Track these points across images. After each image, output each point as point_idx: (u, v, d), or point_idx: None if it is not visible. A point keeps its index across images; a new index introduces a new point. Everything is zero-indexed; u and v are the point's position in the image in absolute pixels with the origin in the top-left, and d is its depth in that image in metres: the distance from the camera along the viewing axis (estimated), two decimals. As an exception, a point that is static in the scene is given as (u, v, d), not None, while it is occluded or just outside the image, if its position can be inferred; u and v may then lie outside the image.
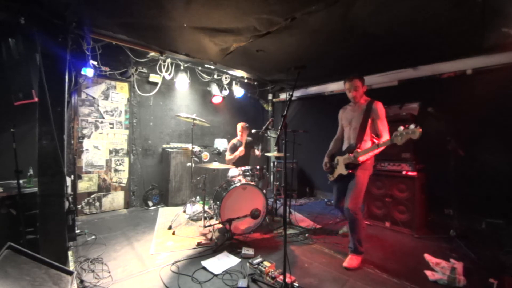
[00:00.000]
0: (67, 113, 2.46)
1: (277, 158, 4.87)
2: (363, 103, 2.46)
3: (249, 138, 4.06)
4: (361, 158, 2.29)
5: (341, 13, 2.42)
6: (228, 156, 3.83)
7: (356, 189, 2.32)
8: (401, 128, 1.99)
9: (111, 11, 2.55)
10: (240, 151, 3.76)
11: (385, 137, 2.27)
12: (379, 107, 2.37)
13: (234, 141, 3.99)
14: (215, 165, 3.22)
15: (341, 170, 2.47)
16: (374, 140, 2.40)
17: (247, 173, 3.36)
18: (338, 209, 2.71)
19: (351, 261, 2.33)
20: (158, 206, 4.29)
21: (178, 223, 3.36)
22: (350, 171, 2.39)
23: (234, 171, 3.53)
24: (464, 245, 2.67)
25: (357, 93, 2.44)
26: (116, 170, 4.13)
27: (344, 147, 2.56)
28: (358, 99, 2.46)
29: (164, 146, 4.60)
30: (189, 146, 4.54)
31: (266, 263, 2.21)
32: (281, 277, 1.92)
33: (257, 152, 3.89)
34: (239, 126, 3.93)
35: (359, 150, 2.30)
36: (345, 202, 2.35)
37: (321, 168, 2.72)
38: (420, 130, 1.90)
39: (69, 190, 2.86)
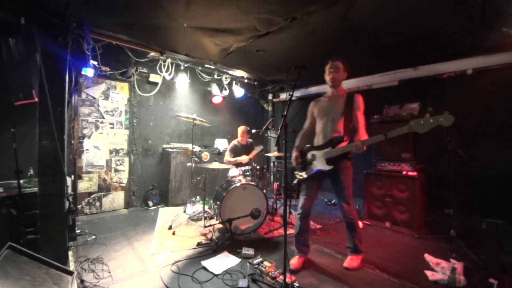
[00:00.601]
0: (67, 113, 2.46)
1: (277, 158, 4.87)
2: (342, 93, 2.32)
3: (250, 140, 4.08)
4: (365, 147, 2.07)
5: (341, 13, 2.42)
6: (229, 157, 3.85)
7: (347, 190, 2.24)
8: (427, 115, 1.76)
9: (111, 11, 2.55)
10: (243, 159, 3.78)
11: (363, 132, 2.17)
12: (360, 99, 2.26)
13: (234, 142, 4.02)
14: (215, 165, 3.23)
15: (320, 165, 2.24)
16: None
17: (247, 173, 3.37)
18: (304, 214, 2.35)
19: (351, 261, 2.30)
20: (158, 206, 4.29)
21: (178, 223, 3.36)
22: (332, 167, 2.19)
23: (234, 171, 3.54)
24: (464, 245, 2.67)
25: (337, 75, 2.27)
26: (116, 170, 4.13)
27: (319, 140, 2.34)
28: (337, 82, 2.31)
29: (164, 146, 4.60)
30: (189, 146, 4.54)
31: (266, 263, 2.21)
32: (281, 277, 1.92)
33: (251, 156, 3.87)
34: (240, 130, 3.98)
35: (357, 140, 2.11)
36: (340, 205, 2.28)
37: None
38: (452, 117, 1.68)
39: (69, 190, 2.86)
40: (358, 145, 2.04)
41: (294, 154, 2.43)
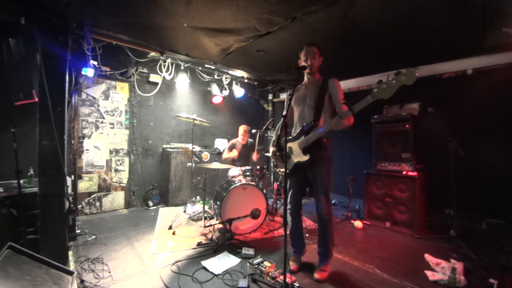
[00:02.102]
0: (67, 113, 2.46)
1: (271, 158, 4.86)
2: (317, 79, 2.19)
3: (251, 140, 4.10)
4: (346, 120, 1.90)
5: (341, 13, 2.42)
6: (225, 154, 3.96)
7: (325, 183, 2.08)
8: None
9: (112, 11, 2.55)
10: (234, 155, 3.90)
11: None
12: (337, 82, 2.12)
13: (233, 140, 4.07)
14: (215, 165, 3.23)
15: (298, 157, 2.10)
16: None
17: (247, 173, 3.37)
18: (294, 210, 2.26)
19: (321, 272, 2.11)
20: (159, 206, 4.29)
21: (178, 223, 3.36)
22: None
23: (234, 171, 3.54)
24: (464, 245, 2.67)
25: (314, 61, 2.12)
26: (116, 170, 4.13)
27: (296, 131, 2.22)
28: (315, 69, 2.16)
29: (164, 146, 4.60)
30: (189, 146, 4.54)
31: (266, 263, 2.21)
32: (281, 277, 1.92)
33: (254, 157, 3.95)
34: (241, 129, 4.00)
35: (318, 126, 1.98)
36: (318, 204, 2.10)
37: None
38: (417, 74, 1.54)
39: (70, 190, 2.85)
40: (333, 122, 1.88)
41: (271, 149, 2.30)
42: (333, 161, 2.17)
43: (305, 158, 2.06)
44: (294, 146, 2.16)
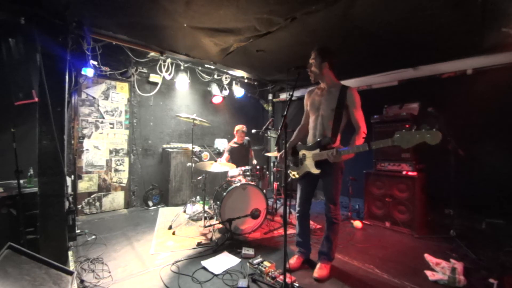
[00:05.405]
0: (67, 113, 2.46)
1: (277, 158, 4.87)
2: (334, 86, 2.12)
3: (247, 138, 4.12)
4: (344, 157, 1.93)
5: (341, 13, 2.42)
6: (224, 160, 3.91)
7: (334, 191, 2.11)
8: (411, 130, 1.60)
9: (111, 11, 2.55)
10: (226, 157, 3.93)
11: (363, 129, 1.98)
12: (356, 94, 2.04)
13: (231, 143, 4.10)
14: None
15: (310, 168, 2.13)
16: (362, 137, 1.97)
17: (247, 173, 3.37)
18: (301, 214, 2.31)
19: (321, 270, 2.13)
20: (158, 206, 4.29)
21: (178, 223, 3.36)
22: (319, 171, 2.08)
23: (234, 171, 3.54)
24: (464, 245, 2.67)
25: (312, 68, 2.12)
26: (116, 170, 4.13)
27: (310, 139, 2.22)
28: (316, 76, 2.13)
29: (164, 146, 4.60)
30: (189, 146, 4.54)
31: (266, 263, 2.21)
32: (281, 277, 1.92)
33: (253, 157, 4.11)
34: (236, 128, 4.05)
35: (340, 146, 1.99)
36: (327, 205, 2.15)
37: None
38: (440, 135, 1.49)
39: (69, 190, 2.86)
40: (333, 154, 1.89)
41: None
42: (344, 170, 2.15)
43: (316, 171, 2.09)
44: (308, 154, 2.16)
